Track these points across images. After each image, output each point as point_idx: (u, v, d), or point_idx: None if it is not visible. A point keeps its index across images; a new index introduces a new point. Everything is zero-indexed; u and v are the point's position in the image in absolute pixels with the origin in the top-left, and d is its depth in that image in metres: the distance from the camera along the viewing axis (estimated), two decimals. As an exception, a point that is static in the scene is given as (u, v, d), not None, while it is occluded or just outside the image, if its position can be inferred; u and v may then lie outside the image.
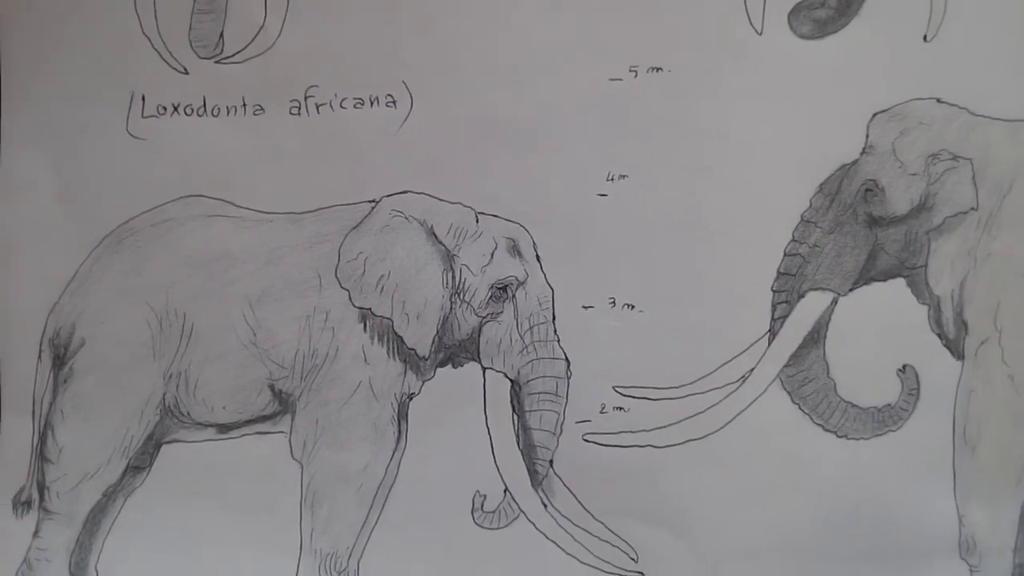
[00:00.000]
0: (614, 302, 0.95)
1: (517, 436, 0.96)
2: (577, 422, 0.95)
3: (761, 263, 0.95)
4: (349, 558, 0.96)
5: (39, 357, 0.97)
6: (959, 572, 0.94)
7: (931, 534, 0.94)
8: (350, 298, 0.95)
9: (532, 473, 0.95)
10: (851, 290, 0.96)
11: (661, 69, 0.95)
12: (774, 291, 0.95)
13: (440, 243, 0.95)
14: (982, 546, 0.94)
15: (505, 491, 0.95)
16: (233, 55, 0.97)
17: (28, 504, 0.97)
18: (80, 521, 0.96)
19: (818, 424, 0.95)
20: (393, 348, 0.95)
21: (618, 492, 0.95)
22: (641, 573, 0.95)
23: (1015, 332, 0.94)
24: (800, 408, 0.95)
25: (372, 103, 0.96)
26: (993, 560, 0.94)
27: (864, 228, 0.96)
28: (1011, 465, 0.94)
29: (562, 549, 0.95)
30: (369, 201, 0.96)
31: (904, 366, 0.95)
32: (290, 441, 0.96)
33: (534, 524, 0.95)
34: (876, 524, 0.95)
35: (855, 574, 0.95)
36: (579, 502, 0.95)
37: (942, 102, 0.94)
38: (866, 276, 0.96)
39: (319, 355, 0.95)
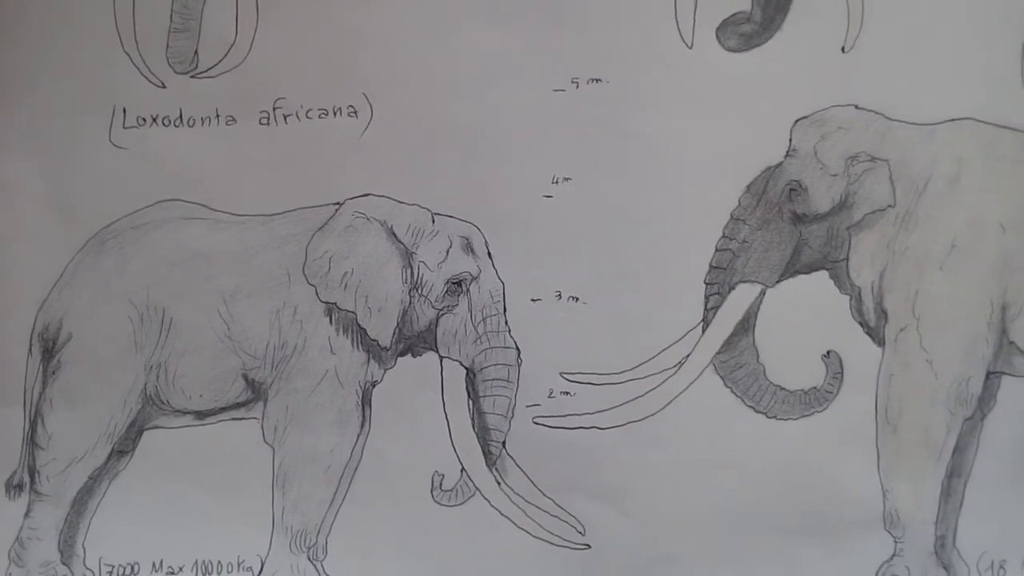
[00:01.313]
0: (560, 295, 0.98)
1: (472, 419, 0.98)
2: (527, 406, 0.98)
3: (694, 258, 0.98)
4: (318, 534, 0.98)
5: (29, 351, 0.99)
6: (884, 543, 0.97)
7: (857, 508, 0.97)
8: (317, 293, 0.98)
9: (486, 454, 0.98)
10: (778, 282, 0.98)
11: (600, 80, 0.97)
12: (707, 283, 0.98)
13: (399, 242, 0.98)
14: (905, 519, 0.96)
15: (462, 470, 0.98)
16: (207, 70, 1.00)
17: (20, 487, 0.99)
18: (68, 502, 0.98)
19: (749, 406, 0.97)
20: (357, 339, 0.98)
21: (565, 470, 0.97)
22: (587, 545, 0.97)
23: (932, 320, 0.96)
24: (732, 391, 0.98)
25: (335, 113, 0.99)
26: (916, 532, 0.96)
27: (789, 225, 0.98)
28: (931, 443, 0.96)
29: (515, 524, 0.98)
30: (333, 204, 0.99)
31: (828, 352, 0.97)
32: (262, 426, 0.99)
33: (489, 501, 0.97)
34: (805, 498, 0.97)
35: (786, 545, 0.97)
36: (530, 480, 0.98)
37: (860, 108, 0.97)
38: (792, 269, 0.98)
39: (288, 346, 0.98)
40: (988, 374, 0.97)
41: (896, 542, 0.97)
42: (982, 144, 0.97)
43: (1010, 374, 0.98)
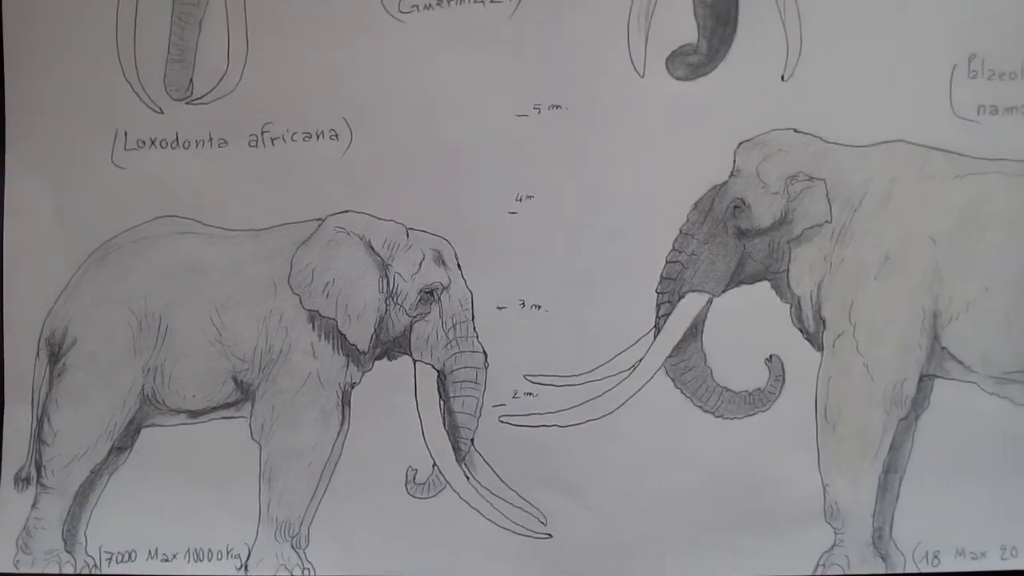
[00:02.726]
0: (524, 303, 1.01)
1: (443, 418, 1.02)
2: (494, 406, 1.02)
3: (647, 269, 1.01)
4: (301, 524, 1.02)
5: (37, 354, 1.03)
6: (825, 534, 1.00)
7: (799, 501, 1.00)
8: (301, 302, 1.01)
9: (456, 450, 1.01)
10: (724, 291, 1.02)
11: (560, 107, 1.01)
12: (658, 293, 1.01)
13: (376, 254, 1.02)
14: (844, 511, 1.00)
15: (433, 465, 1.01)
16: (201, 97, 1.03)
17: (27, 480, 1.02)
18: (72, 494, 1.02)
19: (698, 406, 1.01)
20: (337, 344, 1.02)
21: (529, 465, 1.01)
22: (549, 534, 1.01)
23: (867, 326, 0.99)
24: (682, 392, 1.01)
25: (318, 136, 1.02)
26: (855, 524, 1.00)
27: (733, 239, 1.01)
28: (868, 441, 1.00)
29: (482, 515, 1.01)
30: (316, 219, 1.02)
31: (771, 356, 1.00)
32: (250, 424, 1.02)
33: (458, 494, 1.01)
34: (750, 492, 1.00)
35: (733, 535, 1.00)
36: (496, 474, 1.01)
37: (798, 132, 1.00)
38: (736, 279, 1.02)
39: (275, 351, 1.01)
40: (922, 377, 1.01)
41: (836, 533, 1.01)
42: (914, 164, 1.01)
43: (942, 377, 1.01)
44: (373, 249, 1.03)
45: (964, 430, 1.01)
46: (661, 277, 1.02)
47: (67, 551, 1.03)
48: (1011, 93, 1.01)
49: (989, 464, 1.01)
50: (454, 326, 1.02)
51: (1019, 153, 1.01)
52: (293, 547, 1.02)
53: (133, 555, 1.03)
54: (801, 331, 1.02)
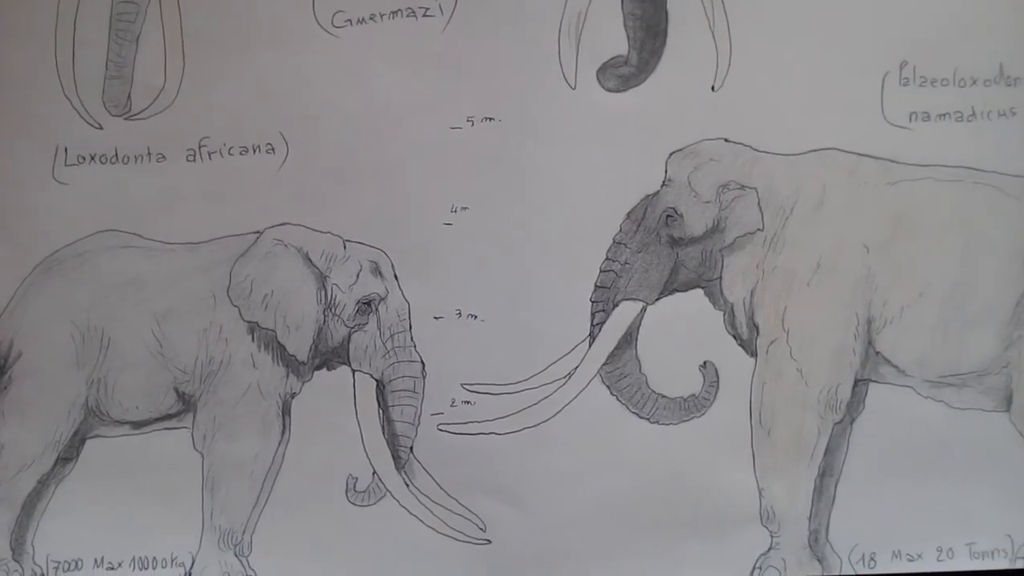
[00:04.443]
0: (460, 313, 1.02)
1: (382, 427, 1.03)
2: (432, 414, 1.03)
3: (581, 278, 1.02)
4: (243, 532, 1.02)
5: None
6: (761, 537, 1.02)
7: (735, 505, 1.01)
8: (240, 314, 1.02)
9: (396, 458, 1.02)
10: (657, 299, 1.03)
11: (493, 119, 1.02)
12: (592, 301, 1.02)
13: (314, 266, 1.03)
14: (780, 515, 1.01)
15: (373, 474, 1.02)
16: (139, 113, 1.03)
17: None
18: (19, 505, 1.03)
19: (634, 412, 1.02)
20: (277, 355, 1.03)
21: (467, 472, 1.02)
22: (488, 540, 1.02)
23: (800, 332, 1.00)
24: (618, 399, 1.02)
25: (254, 151, 1.03)
26: (791, 527, 1.01)
27: (666, 248, 1.03)
28: (803, 445, 1.01)
29: (422, 522, 1.02)
30: (254, 232, 1.03)
31: (705, 362, 1.01)
32: (192, 435, 1.03)
33: (398, 501, 1.02)
34: (687, 496, 1.01)
35: (671, 539, 1.01)
36: (435, 482, 1.02)
37: (729, 141, 1.01)
38: (670, 287, 1.03)
39: (215, 362, 1.02)
40: (856, 381, 1.02)
41: (772, 536, 1.02)
42: (845, 170, 1.01)
43: (877, 381, 1.02)
44: (311, 261, 1.03)
45: (899, 433, 1.02)
46: (595, 286, 1.03)
47: (15, 560, 1.03)
48: (943, 99, 1.02)
49: (925, 466, 1.02)
50: (391, 336, 1.03)
51: (951, 159, 1.02)
52: (236, 555, 1.03)
53: (80, 564, 1.04)
54: (735, 337, 1.03)
